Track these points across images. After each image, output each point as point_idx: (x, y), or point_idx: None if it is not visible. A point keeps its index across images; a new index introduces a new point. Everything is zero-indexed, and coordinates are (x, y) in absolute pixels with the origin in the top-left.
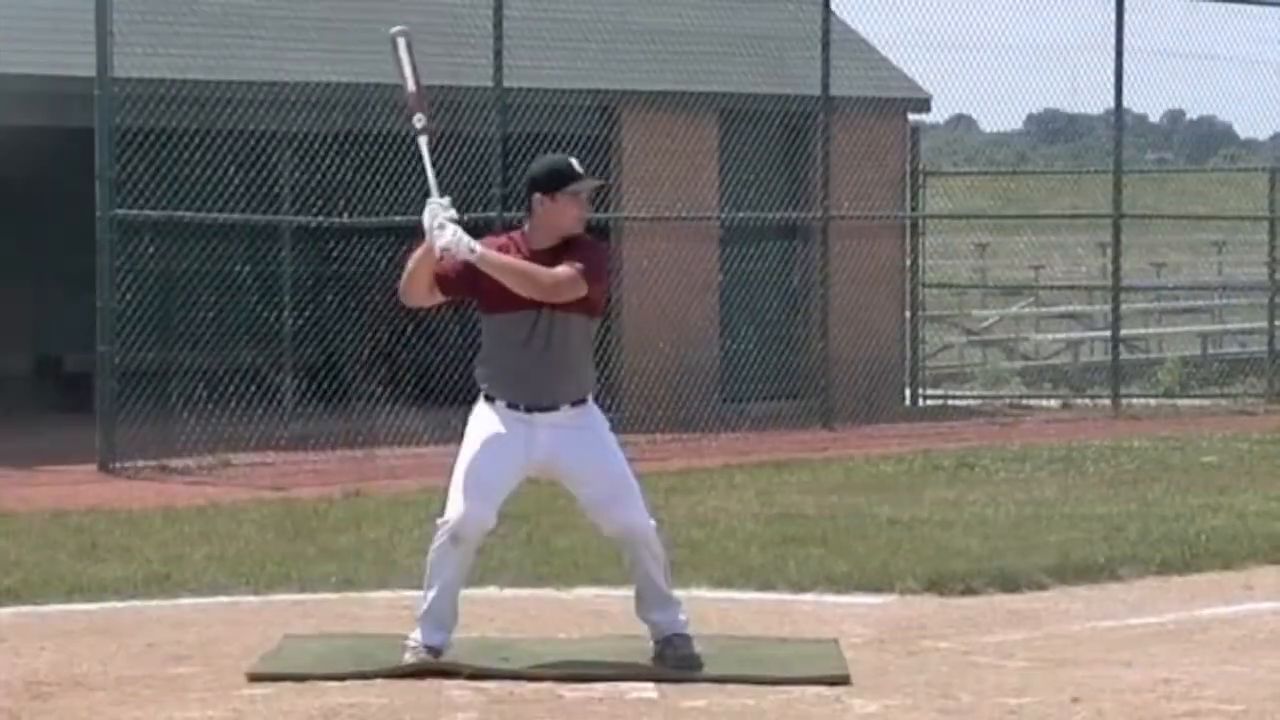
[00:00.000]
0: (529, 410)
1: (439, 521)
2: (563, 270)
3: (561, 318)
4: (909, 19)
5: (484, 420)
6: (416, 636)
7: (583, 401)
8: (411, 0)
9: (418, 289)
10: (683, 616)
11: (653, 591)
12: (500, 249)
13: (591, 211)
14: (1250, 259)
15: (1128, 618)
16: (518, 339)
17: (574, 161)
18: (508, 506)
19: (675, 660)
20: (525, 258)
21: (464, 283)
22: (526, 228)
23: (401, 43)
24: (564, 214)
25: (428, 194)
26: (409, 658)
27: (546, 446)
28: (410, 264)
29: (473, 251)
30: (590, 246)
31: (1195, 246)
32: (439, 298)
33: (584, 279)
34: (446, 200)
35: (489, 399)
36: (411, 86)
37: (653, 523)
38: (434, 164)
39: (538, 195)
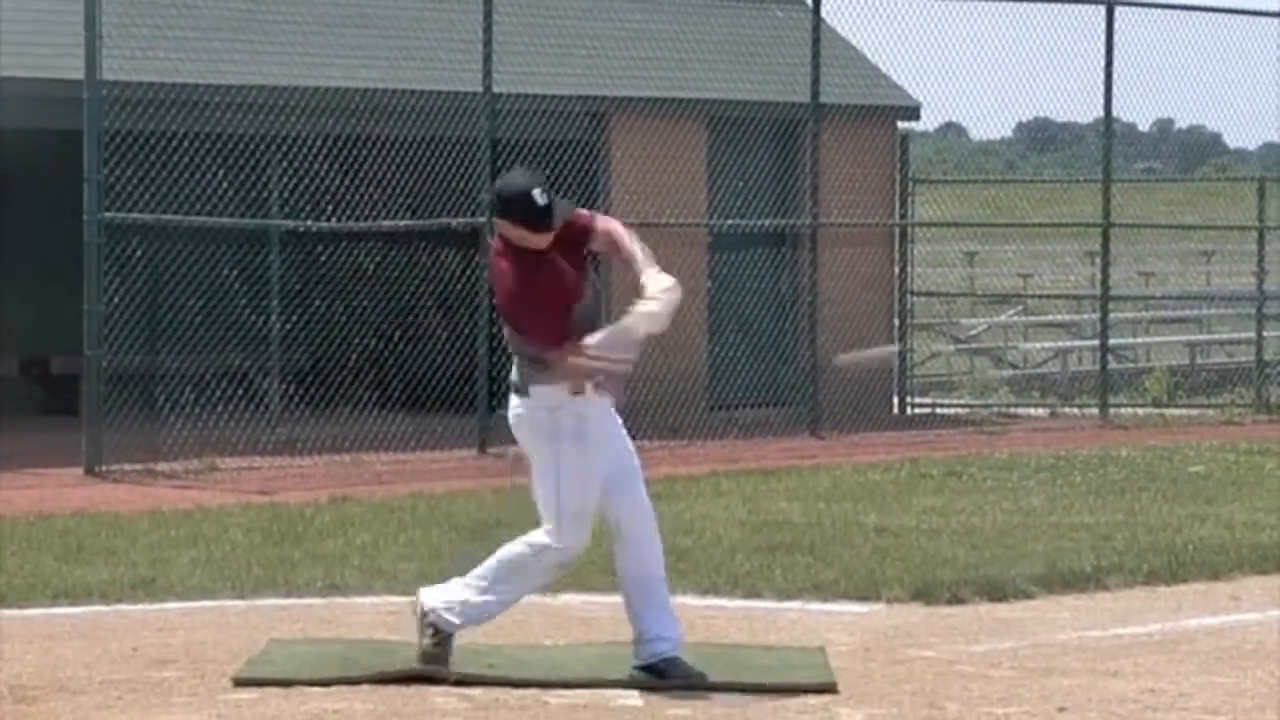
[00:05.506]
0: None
1: (550, 543)
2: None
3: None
4: (899, 26)
5: (583, 431)
6: (451, 618)
7: None
8: (400, 5)
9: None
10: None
11: (660, 590)
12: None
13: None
14: (1239, 269)
15: (1114, 627)
16: (587, 318)
17: (539, 198)
18: (498, 514)
19: (682, 679)
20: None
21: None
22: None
23: None
24: (541, 240)
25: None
26: (441, 624)
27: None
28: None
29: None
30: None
31: (1184, 256)
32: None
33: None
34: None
35: (574, 393)
36: None
37: None
38: (430, 173)
39: (521, 231)
